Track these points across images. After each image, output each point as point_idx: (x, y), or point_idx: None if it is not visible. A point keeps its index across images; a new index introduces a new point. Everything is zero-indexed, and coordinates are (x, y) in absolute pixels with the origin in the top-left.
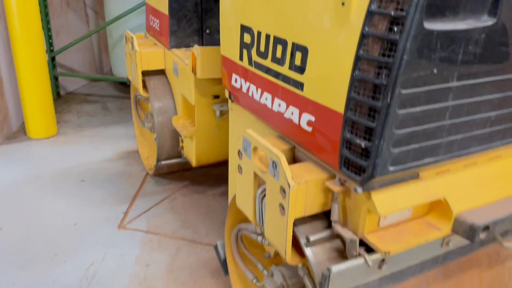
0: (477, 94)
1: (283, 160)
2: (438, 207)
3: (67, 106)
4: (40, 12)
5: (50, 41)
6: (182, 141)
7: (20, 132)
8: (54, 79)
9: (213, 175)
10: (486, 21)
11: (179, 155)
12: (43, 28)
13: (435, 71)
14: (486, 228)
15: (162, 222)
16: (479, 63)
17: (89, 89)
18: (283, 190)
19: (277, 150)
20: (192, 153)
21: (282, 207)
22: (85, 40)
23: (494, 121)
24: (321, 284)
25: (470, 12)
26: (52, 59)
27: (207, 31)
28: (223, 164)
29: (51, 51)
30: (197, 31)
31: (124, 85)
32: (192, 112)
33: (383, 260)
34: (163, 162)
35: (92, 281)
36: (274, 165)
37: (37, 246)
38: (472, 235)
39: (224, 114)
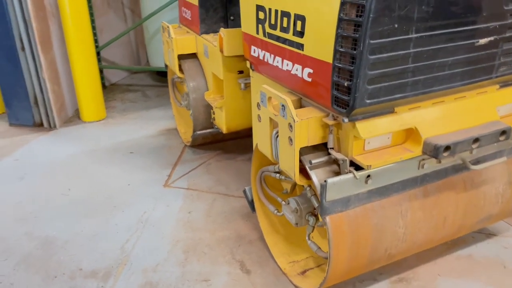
0: (433, 44)
1: (289, 102)
2: (412, 136)
3: (112, 95)
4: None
5: (95, 38)
6: (213, 113)
7: (75, 117)
8: (100, 72)
9: (242, 145)
10: None
11: (211, 126)
12: None
13: (396, 26)
14: (448, 148)
15: (200, 181)
16: (433, 19)
17: (130, 80)
18: (290, 126)
19: (285, 96)
20: (222, 122)
21: (290, 139)
22: (124, 36)
23: (452, 65)
24: (321, 193)
25: None
26: (97, 54)
27: (231, 17)
28: (250, 136)
29: (96, 46)
30: (223, 18)
31: (160, 75)
32: (221, 87)
33: (368, 176)
34: (198, 132)
35: (146, 224)
36: (283, 107)
37: (99, 201)
38: (436, 153)
39: (248, 86)
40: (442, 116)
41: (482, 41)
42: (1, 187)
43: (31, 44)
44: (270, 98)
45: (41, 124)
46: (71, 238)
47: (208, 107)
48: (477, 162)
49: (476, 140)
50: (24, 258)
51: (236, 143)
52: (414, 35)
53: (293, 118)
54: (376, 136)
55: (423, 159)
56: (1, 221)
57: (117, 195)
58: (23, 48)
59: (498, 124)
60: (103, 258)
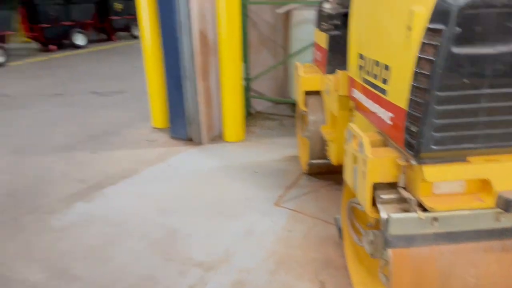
0: (509, 100)
1: (365, 140)
2: (486, 187)
3: (254, 121)
4: (243, 49)
5: (248, 71)
6: (327, 146)
7: (219, 137)
8: (248, 101)
9: None
10: None
11: (326, 157)
12: (244, 61)
13: (466, 81)
14: None
15: (306, 206)
16: (509, 77)
17: (272, 110)
18: (364, 161)
19: (363, 134)
20: (333, 154)
21: (364, 174)
22: (274, 71)
23: None
24: (384, 226)
25: (500, 40)
26: (248, 85)
27: None
28: None
29: (248, 79)
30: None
31: None
32: (336, 123)
33: (435, 218)
34: (313, 161)
35: (251, 234)
36: (361, 144)
37: (221, 207)
38: (506, 207)
39: None
40: None
41: None
42: (153, 184)
43: (192, 73)
44: (354, 135)
45: (192, 140)
46: (192, 232)
47: (324, 140)
48: None
49: None
50: (153, 241)
51: None
52: (488, 91)
53: (367, 154)
54: (444, 181)
55: (501, 212)
56: (146, 210)
57: (235, 205)
58: (186, 77)
59: None
60: (211, 253)
